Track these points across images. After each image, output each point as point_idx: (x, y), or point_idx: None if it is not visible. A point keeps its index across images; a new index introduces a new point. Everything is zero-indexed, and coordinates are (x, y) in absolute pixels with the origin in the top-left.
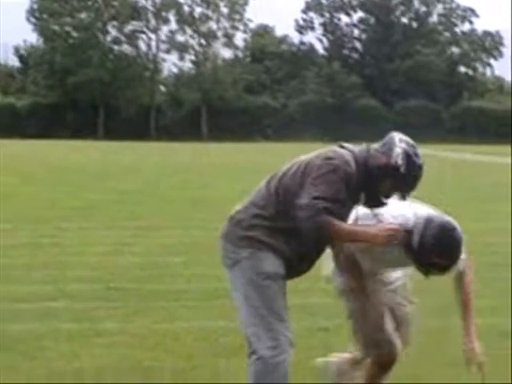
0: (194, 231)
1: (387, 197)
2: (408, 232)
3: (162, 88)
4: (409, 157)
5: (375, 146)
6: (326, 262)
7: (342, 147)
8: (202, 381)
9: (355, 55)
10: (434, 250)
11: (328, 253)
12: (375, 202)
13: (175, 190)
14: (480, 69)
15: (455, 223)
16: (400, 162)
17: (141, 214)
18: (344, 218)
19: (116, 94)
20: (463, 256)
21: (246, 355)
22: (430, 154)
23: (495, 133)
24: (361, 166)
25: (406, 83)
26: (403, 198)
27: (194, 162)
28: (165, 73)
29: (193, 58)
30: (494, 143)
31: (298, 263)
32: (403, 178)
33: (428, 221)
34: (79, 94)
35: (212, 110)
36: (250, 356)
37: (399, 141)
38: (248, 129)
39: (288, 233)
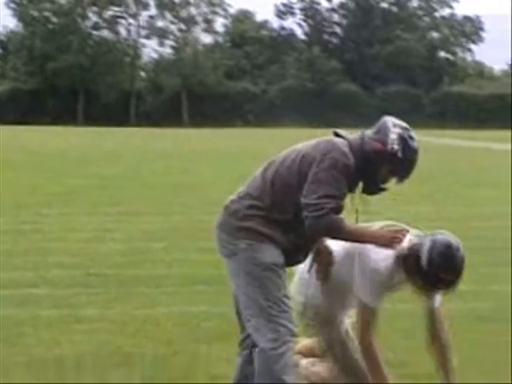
0: (175, 217)
1: (385, 182)
2: (412, 255)
3: (142, 73)
4: (404, 141)
5: (369, 132)
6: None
7: (337, 135)
8: (182, 366)
9: (335, 40)
10: (441, 265)
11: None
12: (374, 188)
13: (156, 176)
14: (460, 54)
15: (458, 241)
16: (396, 147)
17: (122, 199)
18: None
19: (96, 80)
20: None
21: (228, 340)
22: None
23: (475, 118)
24: (357, 154)
25: (386, 68)
26: (401, 181)
27: (175, 148)
28: (145, 58)
29: (173, 43)
30: (474, 128)
31: (295, 254)
32: (400, 163)
33: (434, 241)
34: (59, 79)
35: (192, 95)
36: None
37: (393, 125)
38: (228, 114)
39: (285, 224)
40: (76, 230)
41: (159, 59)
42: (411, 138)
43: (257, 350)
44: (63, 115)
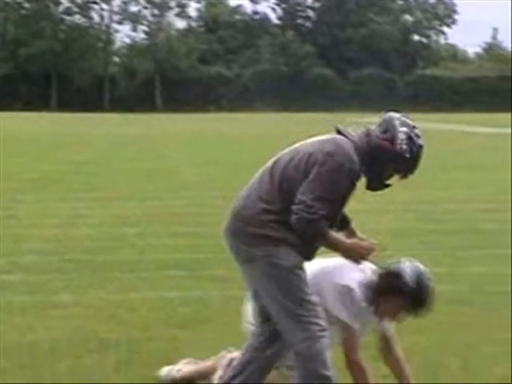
0: (148, 202)
1: (388, 178)
2: (394, 275)
3: (116, 59)
4: (412, 140)
5: (375, 129)
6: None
7: (340, 133)
8: (158, 352)
9: (309, 24)
10: (427, 286)
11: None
12: (377, 184)
13: (129, 161)
14: (433, 37)
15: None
16: (404, 147)
17: (95, 185)
18: (341, 209)
19: (69, 65)
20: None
21: (204, 325)
22: None
23: (449, 101)
24: (363, 152)
25: (359, 52)
26: (405, 177)
27: (149, 133)
28: (118, 43)
29: (146, 28)
30: (448, 111)
31: (305, 253)
32: (407, 162)
33: (413, 264)
34: (32, 65)
35: (166, 80)
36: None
37: (400, 124)
38: (202, 99)
39: None
40: (50, 215)
41: (132, 44)
42: (417, 136)
43: (294, 353)
44: (36, 101)
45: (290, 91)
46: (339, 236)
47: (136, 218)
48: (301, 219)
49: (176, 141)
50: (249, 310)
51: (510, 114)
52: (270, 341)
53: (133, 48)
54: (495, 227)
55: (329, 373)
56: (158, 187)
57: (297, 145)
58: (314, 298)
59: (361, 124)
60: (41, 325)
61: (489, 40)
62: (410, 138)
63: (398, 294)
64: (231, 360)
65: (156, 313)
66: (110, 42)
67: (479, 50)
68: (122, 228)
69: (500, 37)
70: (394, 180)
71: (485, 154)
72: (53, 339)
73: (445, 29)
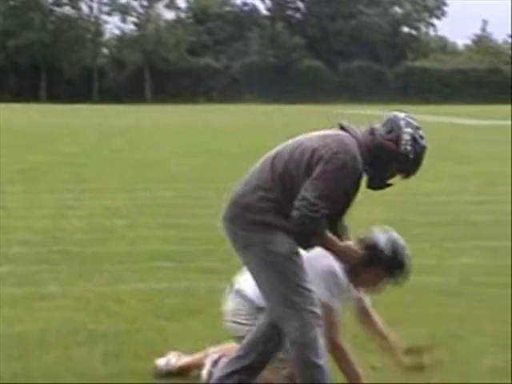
0: (138, 193)
1: (390, 178)
2: (370, 246)
3: (105, 50)
4: (416, 142)
5: (380, 128)
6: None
7: (344, 129)
8: (146, 343)
9: (298, 16)
10: (403, 252)
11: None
12: (379, 183)
13: (119, 153)
14: (423, 29)
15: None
16: (409, 148)
17: (85, 176)
18: (344, 209)
19: (58, 57)
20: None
21: (193, 317)
22: (377, 115)
23: (439, 93)
24: (366, 152)
25: (349, 44)
26: (407, 178)
27: (138, 124)
28: (107, 35)
29: (135, 19)
30: (437, 103)
31: (304, 244)
32: (410, 163)
33: (386, 233)
34: (20, 56)
35: (155, 71)
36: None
37: (406, 125)
38: (191, 90)
39: None
40: (39, 207)
41: (121, 36)
42: (421, 137)
43: (288, 342)
44: (25, 92)
45: (280, 83)
46: (334, 237)
47: (125, 209)
48: (302, 216)
49: (165, 132)
50: (229, 307)
51: (498, 106)
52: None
53: (122, 39)
54: (485, 219)
55: (321, 361)
56: (147, 178)
57: (300, 137)
58: (310, 286)
59: (350, 116)
60: (29, 316)
61: (478, 32)
62: (414, 139)
63: (376, 264)
64: (220, 356)
65: (145, 304)
66: (99, 33)
67: (469, 42)
68: (111, 219)
69: (489, 29)
70: (395, 180)
71: (474, 146)
72: (41, 330)
73: (434, 21)
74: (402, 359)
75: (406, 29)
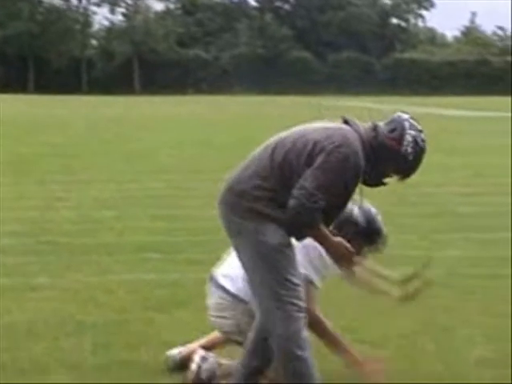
0: (126, 184)
1: (386, 177)
2: (347, 221)
3: (93, 41)
4: (417, 145)
5: (383, 126)
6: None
7: (347, 123)
8: (135, 334)
9: (287, 7)
10: (377, 221)
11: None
12: (375, 181)
13: (108, 144)
14: (412, 20)
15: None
16: (410, 150)
17: (74, 167)
18: (342, 206)
19: (46, 48)
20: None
21: (181, 308)
22: (367, 106)
23: (427, 84)
24: (367, 148)
25: (338, 35)
26: (402, 180)
27: (127, 116)
28: (96, 26)
29: (124, 10)
30: (425, 95)
31: (297, 234)
32: (408, 165)
33: (359, 206)
34: (9, 47)
35: (144, 63)
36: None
37: (409, 127)
38: (181, 82)
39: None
40: (27, 198)
41: (110, 27)
42: (423, 141)
43: (268, 330)
44: (13, 83)
45: (269, 74)
46: (327, 233)
47: (114, 200)
48: (299, 205)
49: (154, 123)
50: (211, 302)
51: (488, 98)
52: None
53: (111, 30)
54: (472, 211)
55: (304, 354)
56: (136, 170)
57: (300, 128)
58: (297, 280)
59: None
60: (18, 307)
61: (467, 24)
62: (416, 142)
63: (354, 237)
64: (203, 357)
65: (133, 295)
66: (87, 24)
67: (457, 33)
68: (99, 211)
69: (478, 20)
70: (391, 180)
71: (463, 137)
72: (30, 321)
73: (423, 12)
74: (357, 357)
75: (394, 20)
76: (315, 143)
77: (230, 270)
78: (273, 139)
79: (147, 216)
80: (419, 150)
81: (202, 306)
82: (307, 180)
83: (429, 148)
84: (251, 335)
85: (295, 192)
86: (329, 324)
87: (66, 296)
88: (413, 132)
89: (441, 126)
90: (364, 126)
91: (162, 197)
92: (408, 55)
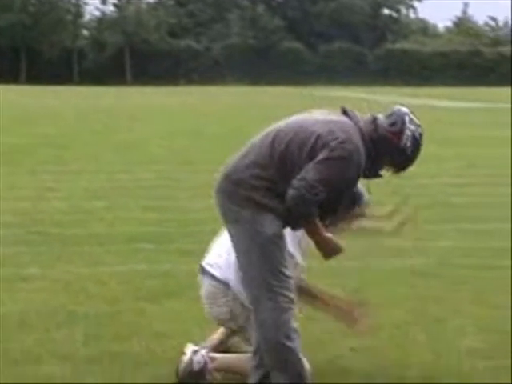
0: (117, 175)
1: (381, 170)
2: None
3: (85, 32)
4: (415, 140)
5: (383, 119)
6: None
7: (346, 113)
8: (126, 324)
9: None
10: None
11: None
12: (371, 174)
13: (99, 134)
14: (404, 11)
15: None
16: (408, 144)
17: (65, 158)
18: (338, 203)
19: (38, 39)
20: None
21: (172, 298)
22: (359, 97)
23: (419, 75)
24: (367, 141)
25: (330, 26)
26: (397, 173)
27: (118, 106)
28: (87, 16)
29: (115, 1)
30: (417, 85)
31: (293, 224)
32: (405, 159)
33: (411, 120)
34: (1, 38)
35: (135, 53)
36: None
37: (409, 121)
38: (172, 72)
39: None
40: (19, 188)
41: (102, 17)
42: (421, 136)
43: (257, 319)
44: (5, 74)
45: (260, 65)
46: (321, 228)
47: (105, 191)
48: (299, 195)
49: (145, 114)
50: (203, 292)
51: (480, 89)
52: None
53: (102, 21)
54: (465, 201)
55: (293, 345)
56: (127, 160)
57: (300, 117)
58: (289, 272)
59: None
60: (9, 298)
61: (459, 14)
62: (414, 137)
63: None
64: (195, 350)
65: (125, 286)
66: (79, 14)
67: (449, 24)
68: (90, 201)
69: (470, 11)
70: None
71: (456, 128)
72: (21, 312)
73: (415, 3)
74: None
75: (386, 11)
76: (318, 137)
77: (219, 259)
78: (273, 128)
79: (138, 207)
80: (417, 145)
81: (193, 296)
82: (309, 172)
83: (426, 140)
84: (254, 340)
85: (295, 183)
86: (314, 288)
87: (58, 287)
88: (412, 127)
89: (433, 116)
90: (363, 117)
91: (152, 187)
92: (399, 46)
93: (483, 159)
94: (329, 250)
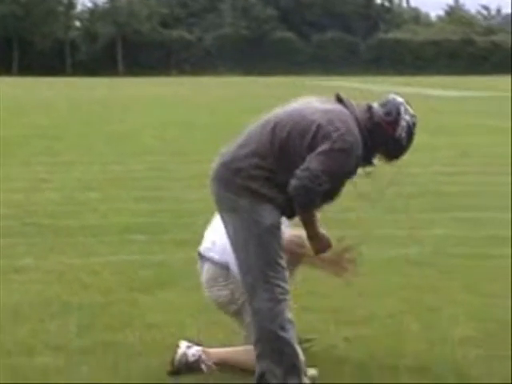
0: (110, 166)
1: (375, 158)
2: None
3: (77, 23)
4: (410, 130)
5: (378, 108)
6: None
7: (341, 101)
8: (119, 315)
9: None
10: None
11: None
12: (365, 162)
13: (92, 125)
14: (396, 0)
15: None
16: (403, 135)
17: (57, 149)
18: (336, 194)
19: (30, 30)
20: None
21: (165, 289)
22: (352, 87)
23: (411, 64)
24: (363, 131)
25: (322, 15)
26: (388, 162)
27: (110, 97)
28: (79, 7)
29: None
30: (410, 74)
31: (289, 213)
32: (398, 149)
33: (406, 110)
34: None
35: (128, 44)
36: (249, 304)
37: (404, 111)
38: (164, 63)
39: (286, 186)
40: (12, 180)
41: (94, 8)
42: (414, 125)
43: (252, 309)
44: None
45: (252, 55)
46: (317, 220)
47: (98, 182)
48: (302, 185)
49: (137, 105)
50: (204, 278)
51: (473, 78)
52: None
53: (94, 12)
54: (458, 190)
55: (287, 335)
56: (119, 151)
57: (297, 106)
58: (284, 263)
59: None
60: (3, 289)
61: (451, 3)
62: (409, 127)
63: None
64: (188, 346)
65: (118, 277)
66: (71, 5)
67: (441, 12)
68: (83, 192)
69: (462, 0)
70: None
71: (449, 117)
72: (15, 303)
73: None
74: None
75: (378, 0)
76: (319, 126)
77: (214, 244)
78: (271, 116)
79: (131, 197)
80: (411, 135)
81: (186, 286)
82: (312, 163)
83: (420, 128)
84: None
85: (299, 173)
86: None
87: (51, 278)
88: (407, 117)
89: (426, 105)
90: (358, 106)
91: (145, 178)
92: (392, 35)
93: (476, 148)
94: (321, 246)
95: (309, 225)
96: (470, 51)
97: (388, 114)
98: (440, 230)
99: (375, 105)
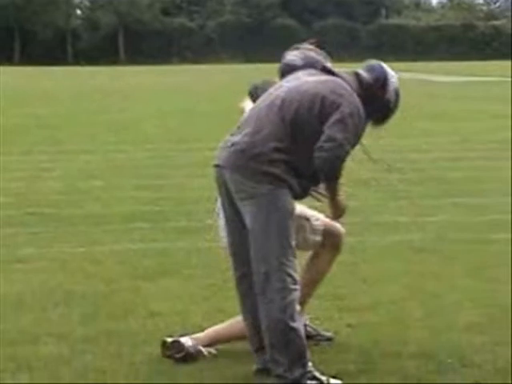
0: (112, 155)
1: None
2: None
3: (78, 12)
4: (397, 92)
5: (364, 74)
6: None
7: (328, 71)
8: (122, 304)
9: None
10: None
11: None
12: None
13: (93, 114)
14: None
15: None
16: (393, 97)
17: (60, 138)
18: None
19: (31, 19)
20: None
21: (168, 277)
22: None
23: (412, 50)
24: (357, 95)
25: (323, 2)
26: (375, 126)
27: (112, 86)
28: None
29: None
30: (411, 60)
31: (301, 196)
32: (388, 112)
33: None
34: None
35: (129, 32)
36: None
37: (391, 76)
38: (166, 51)
39: (301, 168)
40: (14, 169)
41: None
42: (399, 87)
43: (265, 300)
44: None
45: (254, 42)
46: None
47: (100, 171)
48: (332, 156)
49: (139, 93)
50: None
51: (475, 63)
52: None
53: (95, 0)
54: (459, 176)
55: (296, 325)
56: (121, 140)
57: (293, 84)
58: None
59: None
60: (6, 279)
61: None
62: (396, 91)
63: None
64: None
65: (121, 265)
66: None
67: None
68: (86, 181)
69: None
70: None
71: (450, 103)
72: (18, 293)
73: None
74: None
75: None
76: (323, 98)
77: None
78: (274, 98)
79: (133, 186)
80: (398, 99)
81: (189, 274)
82: (332, 133)
83: (414, 113)
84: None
85: (325, 145)
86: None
87: (54, 267)
88: (393, 80)
89: (427, 91)
90: (346, 75)
91: (147, 167)
92: (393, 21)
93: (477, 134)
94: (340, 210)
95: (335, 192)
96: (471, 36)
97: (377, 79)
98: (442, 215)
99: (361, 71)
